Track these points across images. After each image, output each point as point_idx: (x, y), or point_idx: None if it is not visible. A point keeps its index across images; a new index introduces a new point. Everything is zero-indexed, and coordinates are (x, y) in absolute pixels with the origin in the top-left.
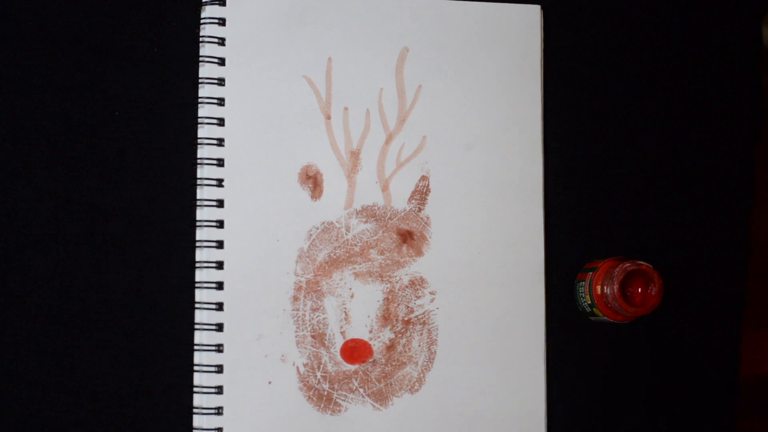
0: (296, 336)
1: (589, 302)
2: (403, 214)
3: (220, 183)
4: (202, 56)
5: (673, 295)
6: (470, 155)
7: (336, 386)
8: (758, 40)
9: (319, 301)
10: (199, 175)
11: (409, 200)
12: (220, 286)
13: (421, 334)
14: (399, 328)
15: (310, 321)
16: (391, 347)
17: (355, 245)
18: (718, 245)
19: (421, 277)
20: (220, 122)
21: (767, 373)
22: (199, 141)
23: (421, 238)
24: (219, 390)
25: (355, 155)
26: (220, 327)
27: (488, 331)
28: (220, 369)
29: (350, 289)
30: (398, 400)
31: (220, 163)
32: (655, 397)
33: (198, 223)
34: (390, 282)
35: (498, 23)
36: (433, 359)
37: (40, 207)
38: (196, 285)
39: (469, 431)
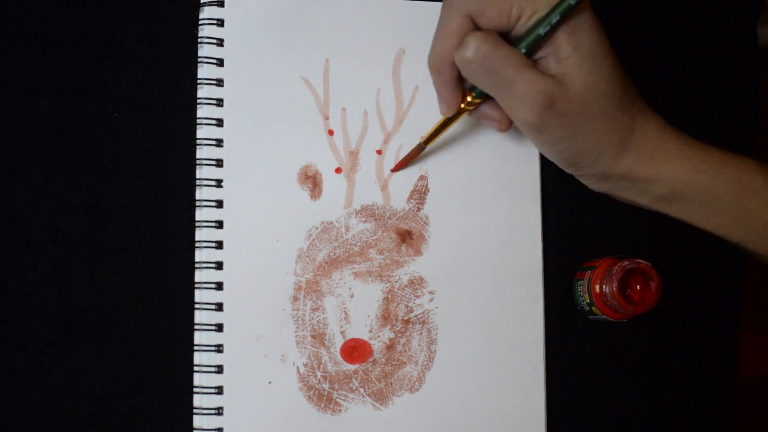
0: (296, 336)
1: (588, 301)
2: (402, 213)
3: (219, 183)
4: (200, 57)
5: (671, 293)
6: (468, 155)
7: (336, 386)
8: (754, 40)
9: (318, 301)
10: (198, 176)
11: (408, 200)
12: (219, 286)
13: (421, 334)
14: (399, 328)
15: (309, 321)
16: (391, 347)
17: (355, 245)
18: (717, 244)
19: (420, 277)
20: (219, 123)
21: (766, 374)
22: (197, 142)
23: (420, 238)
24: (219, 390)
25: (353, 155)
26: (219, 327)
27: (487, 330)
28: (220, 369)
29: (350, 288)
30: (398, 399)
31: (219, 163)
32: (654, 396)
33: (197, 224)
34: (389, 281)
35: None
36: (433, 358)
37: (39, 207)
38: (196, 285)
39: (469, 430)
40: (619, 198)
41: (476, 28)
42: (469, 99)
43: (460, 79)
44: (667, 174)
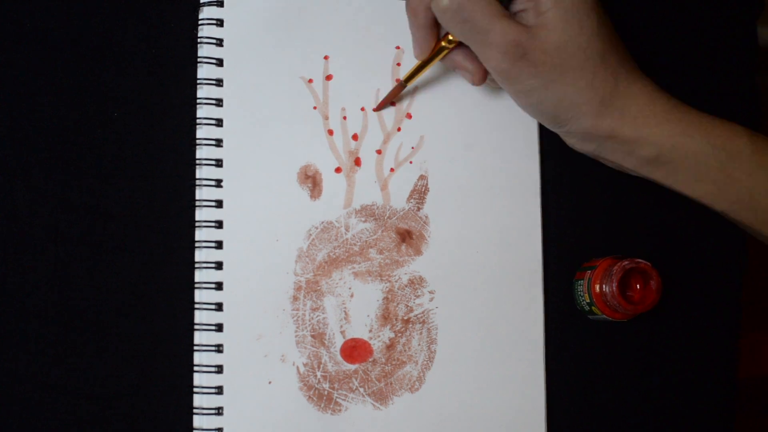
0: (296, 336)
1: (588, 301)
2: (402, 213)
3: (218, 183)
4: (200, 57)
5: (671, 293)
6: (468, 154)
7: (336, 386)
8: (754, 39)
9: (318, 301)
10: (197, 176)
11: (408, 199)
12: (219, 286)
13: (421, 333)
14: (399, 328)
15: (309, 321)
16: (390, 346)
17: (355, 245)
18: (717, 244)
19: (420, 276)
20: (219, 123)
21: (766, 374)
22: (197, 142)
23: (419, 238)
24: (219, 390)
25: (353, 155)
26: (219, 327)
27: (487, 330)
28: (219, 369)
29: (350, 288)
30: (398, 399)
31: (219, 163)
32: (654, 396)
33: (197, 224)
34: (389, 281)
35: None
36: (433, 358)
37: (39, 207)
38: (196, 285)
39: (469, 430)
40: (607, 161)
41: None
42: (450, 37)
43: (435, 24)
44: (654, 136)
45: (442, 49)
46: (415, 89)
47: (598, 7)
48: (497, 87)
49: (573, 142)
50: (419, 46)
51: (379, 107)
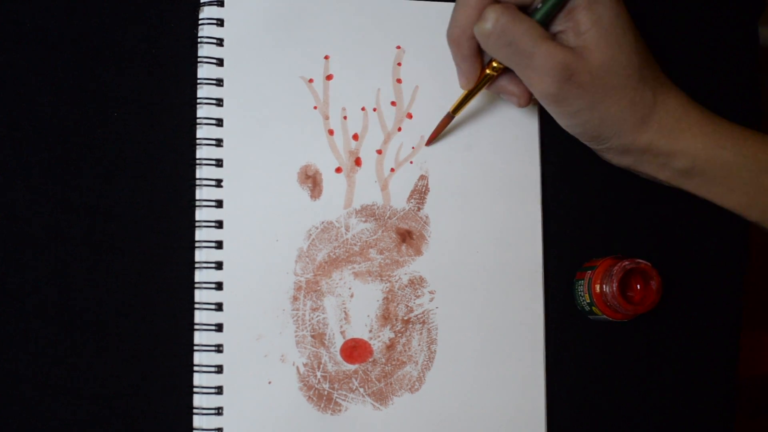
0: (296, 336)
1: (588, 301)
2: (402, 213)
3: (218, 183)
4: (200, 57)
5: (672, 293)
6: (468, 154)
7: (336, 386)
8: (755, 39)
9: (318, 301)
10: (197, 176)
11: (408, 199)
12: (219, 286)
13: (421, 334)
14: (399, 328)
15: (309, 321)
16: (390, 347)
17: (355, 245)
18: (718, 244)
19: (421, 277)
20: (219, 123)
21: (766, 374)
22: (197, 141)
23: (420, 238)
24: (219, 390)
25: (353, 155)
26: (219, 327)
27: (487, 330)
28: (219, 369)
29: (350, 288)
30: (398, 399)
31: (219, 163)
32: (654, 396)
33: (197, 224)
34: (389, 281)
35: None
36: (433, 358)
37: (39, 207)
38: (196, 285)
39: (469, 430)
40: (641, 173)
41: (495, 1)
42: (495, 64)
43: (479, 52)
44: (688, 148)
45: (488, 76)
46: (416, 89)
47: (632, 23)
48: (538, 105)
49: (610, 157)
50: (465, 76)
51: (430, 141)
